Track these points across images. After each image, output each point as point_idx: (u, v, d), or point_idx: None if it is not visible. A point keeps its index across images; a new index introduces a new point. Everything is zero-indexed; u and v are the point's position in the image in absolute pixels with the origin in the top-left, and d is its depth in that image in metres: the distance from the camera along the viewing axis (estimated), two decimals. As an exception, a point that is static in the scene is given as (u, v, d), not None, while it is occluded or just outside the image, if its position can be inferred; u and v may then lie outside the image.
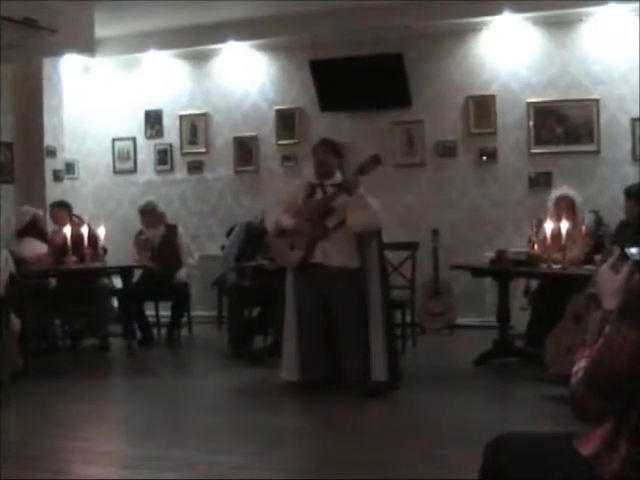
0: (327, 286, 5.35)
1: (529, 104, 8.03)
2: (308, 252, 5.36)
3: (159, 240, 7.74)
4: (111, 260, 7.63)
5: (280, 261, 5.70)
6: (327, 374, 5.46)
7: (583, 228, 6.10)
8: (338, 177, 5.47)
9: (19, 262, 6.47)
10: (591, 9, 7.67)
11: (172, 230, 7.89)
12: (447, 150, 8.35)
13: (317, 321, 5.43)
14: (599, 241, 6.06)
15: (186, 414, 5.13)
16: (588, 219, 6.26)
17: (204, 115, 9.18)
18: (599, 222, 6.28)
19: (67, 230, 6.98)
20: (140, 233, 7.83)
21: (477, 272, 6.65)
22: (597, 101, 7.78)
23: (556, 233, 5.92)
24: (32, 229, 7.28)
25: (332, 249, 5.33)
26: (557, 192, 6.54)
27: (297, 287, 5.52)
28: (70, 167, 9.25)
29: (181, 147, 9.30)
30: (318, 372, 5.45)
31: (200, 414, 5.12)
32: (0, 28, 6.60)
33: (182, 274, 7.66)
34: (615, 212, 6.71)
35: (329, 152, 5.49)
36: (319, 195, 5.45)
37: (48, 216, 7.73)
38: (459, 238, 8.23)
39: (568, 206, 6.28)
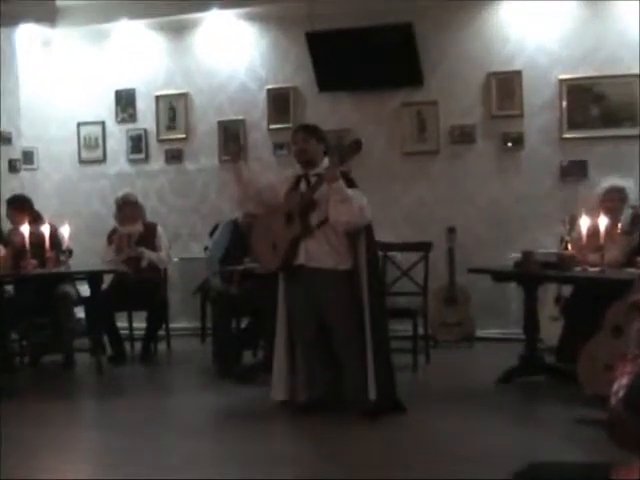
0: (317, 292, 5.39)
1: (560, 82, 8.05)
2: (290, 253, 5.41)
3: (136, 239, 7.75)
4: (77, 264, 7.62)
5: (262, 263, 5.77)
6: (324, 392, 5.51)
7: (619, 225, 6.10)
8: (325, 165, 5.52)
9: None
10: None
11: (151, 229, 7.91)
12: (464, 136, 8.36)
13: (310, 333, 5.48)
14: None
15: (164, 440, 5.13)
16: (625, 216, 6.24)
17: (184, 96, 9.18)
18: (636, 219, 6.25)
19: (25, 229, 6.97)
20: (114, 231, 7.83)
21: (499, 276, 6.64)
22: (639, 77, 7.79)
23: (593, 231, 5.91)
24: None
25: (317, 249, 5.37)
26: (607, 183, 6.50)
27: (287, 294, 5.57)
28: (28, 156, 9.26)
29: (157, 133, 9.31)
30: (313, 392, 5.50)
31: (181, 439, 5.11)
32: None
33: (153, 255, 7.68)
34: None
35: (310, 138, 5.53)
36: (303, 187, 5.50)
37: (4, 213, 7.72)
38: (478, 237, 8.25)
39: (619, 201, 6.25)
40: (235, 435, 5.18)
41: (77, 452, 5.09)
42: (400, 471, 4.45)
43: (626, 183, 6.42)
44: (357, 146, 5.32)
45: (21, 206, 7.56)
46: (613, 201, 6.29)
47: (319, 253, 5.37)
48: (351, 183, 5.46)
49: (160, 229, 8.01)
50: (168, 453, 4.88)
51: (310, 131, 5.61)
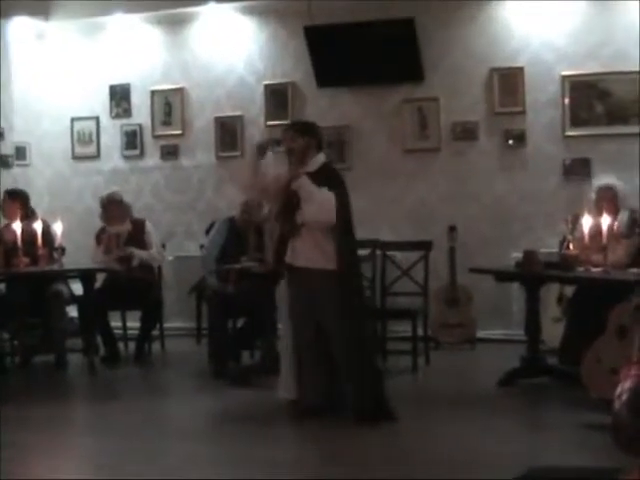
0: (308, 291, 5.40)
1: (564, 78, 8.03)
2: (278, 252, 5.45)
3: (125, 238, 7.72)
4: (70, 262, 7.60)
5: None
6: (326, 394, 5.50)
7: (615, 225, 6.10)
8: (317, 161, 5.51)
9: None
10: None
11: (139, 226, 7.87)
12: (467, 133, 8.35)
13: (309, 334, 5.48)
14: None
15: (159, 444, 5.11)
16: (621, 218, 6.25)
17: (180, 91, 9.17)
18: (634, 222, 6.26)
19: (17, 226, 6.96)
20: (102, 231, 7.81)
21: (501, 276, 6.65)
22: (646, 74, 7.78)
23: (596, 230, 5.92)
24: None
25: (303, 247, 5.38)
26: (599, 181, 6.55)
27: (289, 293, 5.59)
28: (21, 152, 9.24)
29: (153, 128, 9.30)
30: (317, 392, 5.49)
31: (176, 444, 5.11)
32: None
33: (143, 254, 7.66)
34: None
35: (297, 136, 5.52)
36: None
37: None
38: (480, 236, 8.23)
39: (611, 199, 6.28)
40: (230, 437, 5.17)
41: (68, 456, 5.09)
42: (400, 475, 4.44)
43: (614, 181, 6.46)
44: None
45: (16, 195, 7.55)
46: (604, 200, 6.31)
47: (305, 252, 5.37)
48: (330, 174, 5.47)
49: (149, 225, 7.95)
50: (164, 455, 4.87)
51: (297, 129, 5.61)
